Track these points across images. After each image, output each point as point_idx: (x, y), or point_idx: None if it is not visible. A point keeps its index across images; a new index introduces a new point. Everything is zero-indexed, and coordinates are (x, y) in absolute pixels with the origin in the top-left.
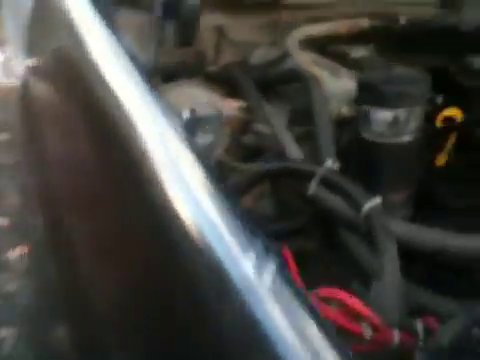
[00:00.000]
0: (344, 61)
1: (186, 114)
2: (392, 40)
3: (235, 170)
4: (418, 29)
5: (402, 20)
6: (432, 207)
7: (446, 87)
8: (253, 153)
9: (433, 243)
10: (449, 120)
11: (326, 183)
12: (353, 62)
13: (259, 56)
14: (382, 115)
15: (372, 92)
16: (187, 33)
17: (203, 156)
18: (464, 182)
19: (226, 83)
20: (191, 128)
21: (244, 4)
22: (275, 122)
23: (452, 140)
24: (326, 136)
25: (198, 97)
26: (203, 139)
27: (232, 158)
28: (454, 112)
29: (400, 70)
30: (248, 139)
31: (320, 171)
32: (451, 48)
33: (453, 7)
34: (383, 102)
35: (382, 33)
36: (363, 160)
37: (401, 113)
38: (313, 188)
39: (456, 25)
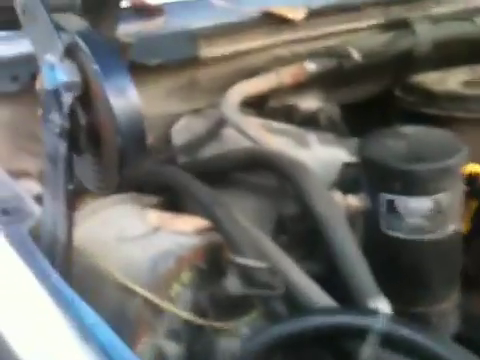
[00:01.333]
0: (293, 118)
1: None
2: (343, 79)
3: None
4: (372, 62)
5: (355, 54)
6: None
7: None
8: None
9: None
10: (472, 179)
11: (386, 340)
12: (306, 117)
13: (182, 131)
14: (417, 204)
15: (395, 176)
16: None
17: None
18: None
19: (160, 191)
20: None
21: (148, 67)
22: (271, 249)
23: (475, 205)
24: (360, 265)
25: (130, 226)
26: None
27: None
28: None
29: (415, 133)
30: (232, 285)
31: (377, 324)
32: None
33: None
34: (416, 187)
35: (333, 74)
36: (393, 267)
37: (443, 198)
38: (369, 351)
39: (409, 49)
